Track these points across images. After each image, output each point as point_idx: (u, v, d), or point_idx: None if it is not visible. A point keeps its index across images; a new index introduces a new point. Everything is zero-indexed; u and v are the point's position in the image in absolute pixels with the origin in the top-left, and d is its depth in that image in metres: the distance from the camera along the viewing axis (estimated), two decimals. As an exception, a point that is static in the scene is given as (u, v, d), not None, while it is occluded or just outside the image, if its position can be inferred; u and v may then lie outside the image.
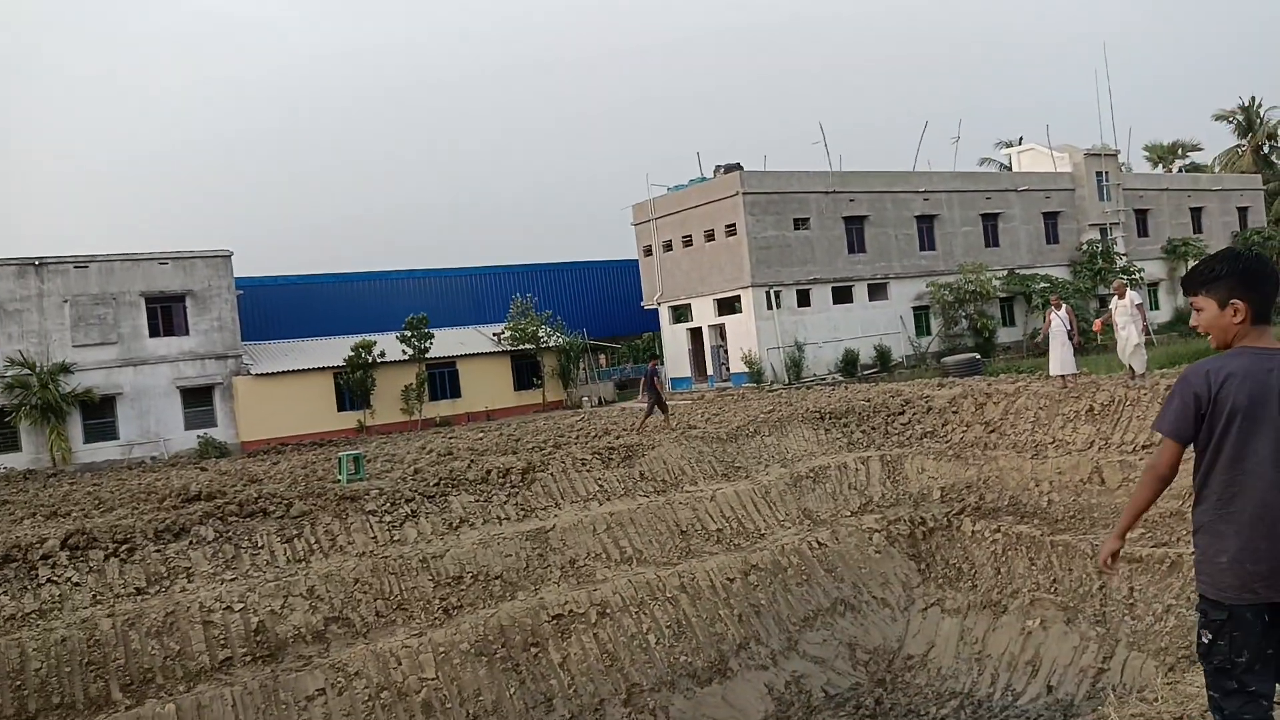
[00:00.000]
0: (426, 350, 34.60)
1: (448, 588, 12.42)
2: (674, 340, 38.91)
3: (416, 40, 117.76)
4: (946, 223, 39.15)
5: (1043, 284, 38.81)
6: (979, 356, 31.61)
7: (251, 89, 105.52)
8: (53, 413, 28.79)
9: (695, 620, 13.03)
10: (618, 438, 18.50)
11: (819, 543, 14.81)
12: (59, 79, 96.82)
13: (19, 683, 9.87)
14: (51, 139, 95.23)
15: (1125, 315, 16.70)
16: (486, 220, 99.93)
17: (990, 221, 40.48)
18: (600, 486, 15.14)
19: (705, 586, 13.47)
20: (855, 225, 36.93)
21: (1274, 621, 3.42)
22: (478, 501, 14.12)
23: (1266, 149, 56.21)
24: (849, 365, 34.09)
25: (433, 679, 11.14)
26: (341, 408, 34.15)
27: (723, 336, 36.45)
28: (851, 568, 14.67)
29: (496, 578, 12.76)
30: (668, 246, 38.64)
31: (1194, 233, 46.83)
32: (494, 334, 38.88)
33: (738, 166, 36.13)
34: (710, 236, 36.15)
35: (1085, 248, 42.11)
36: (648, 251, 39.88)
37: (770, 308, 34.39)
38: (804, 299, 35.40)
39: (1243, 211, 49.43)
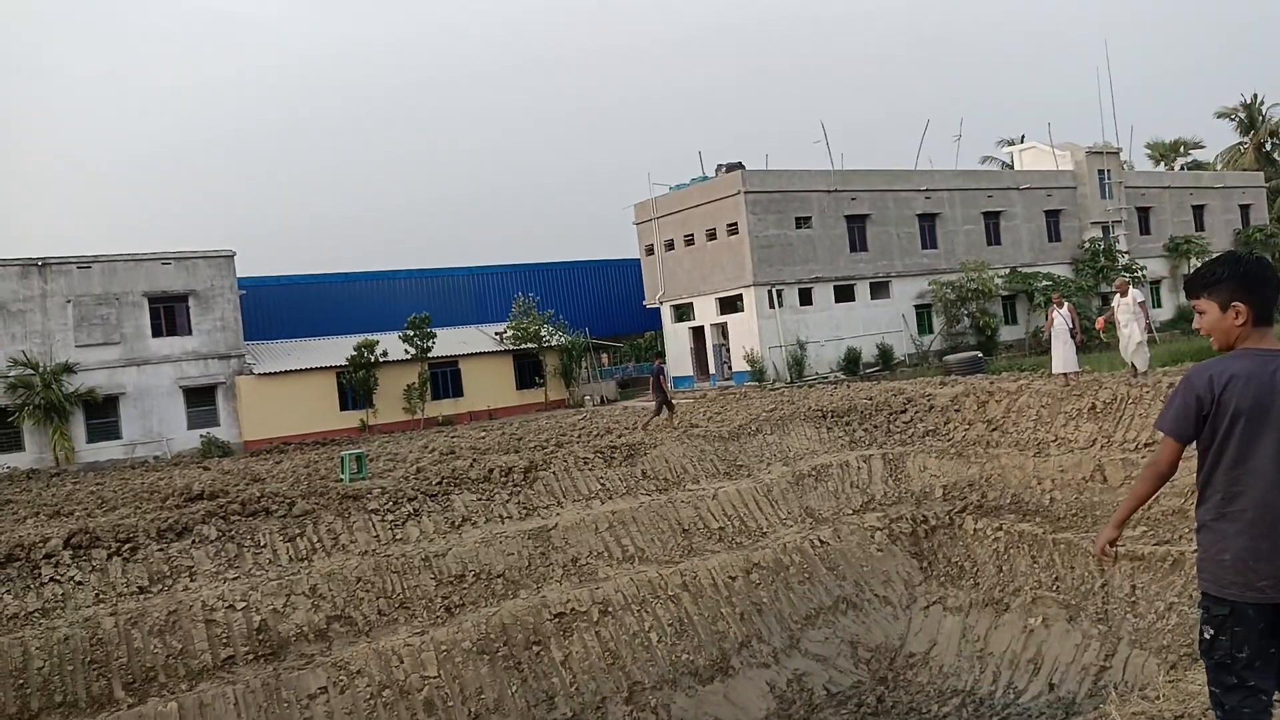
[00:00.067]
0: (429, 349, 34.62)
1: (450, 586, 12.43)
2: (676, 339, 38.91)
3: (417, 39, 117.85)
4: (948, 221, 39.12)
5: (1045, 282, 38.76)
6: (981, 355, 31.59)
7: (253, 88, 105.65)
8: (56, 413, 28.84)
9: (697, 618, 13.04)
10: (620, 436, 18.51)
11: (821, 541, 14.81)
12: (60, 79, 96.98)
13: (22, 681, 9.89)
14: (53, 139, 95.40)
15: (1127, 313, 16.71)
16: (489, 220, 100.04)
17: (992, 220, 40.44)
18: (602, 485, 15.15)
19: (707, 585, 13.47)
20: (857, 224, 36.90)
21: (1277, 620, 3.46)
22: (480, 500, 14.14)
23: (1269, 146, 56.12)
24: (851, 364, 34.08)
25: (435, 677, 11.16)
26: (344, 407, 34.19)
27: (725, 335, 36.45)
28: (853, 566, 14.67)
29: (498, 576, 12.78)
30: (670, 245, 38.64)
31: (1196, 230, 46.76)
32: (496, 333, 38.89)
33: (739, 165, 36.12)
34: (712, 235, 36.14)
35: (1087, 246, 42.07)
36: (650, 250, 39.88)
37: (772, 306, 34.38)
38: (806, 298, 35.39)
39: (1245, 209, 49.36)
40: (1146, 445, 13.66)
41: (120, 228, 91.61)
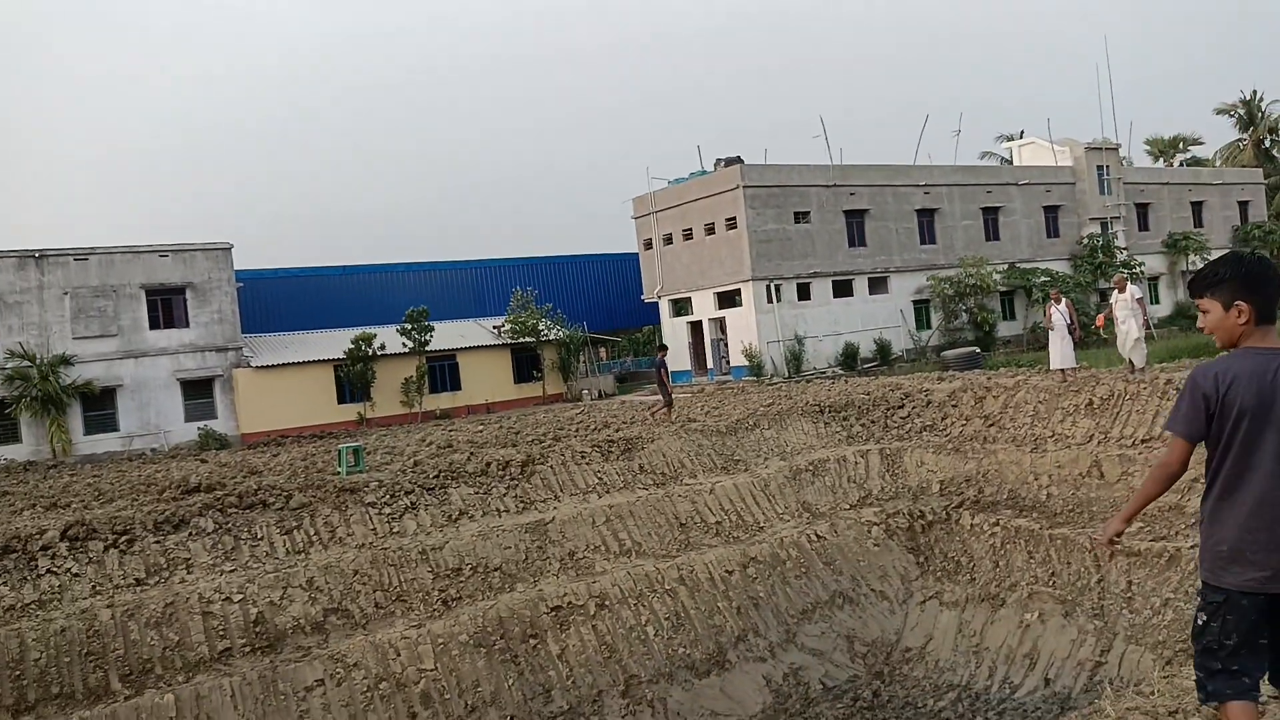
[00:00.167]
0: (427, 343, 34.61)
1: (447, 579, 12.43)
2: (674, 333, 38.90)
3: (417, 33, 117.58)
4: (947, 216, 39.11)
5: (1043, 278, 38.79)
6: (979, 350, 31.63)
7: (251, 81, 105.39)
8: (53, 405, 28.83)
9: (694, 612, 13.04)
10: (617, 431, 18.51)
11: (818, 536, 14.82)
12: (58, 72, 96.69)
13: (19, 672, 9.89)
14: (51, 133, 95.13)
15: (1125, 309, 16.73)
16: (487, 213, 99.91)
17: (991, 215, 40.44)
18: (599, 479, 15.15)
19: (704, 579, 13.48)
20: (856, 219, 36.89)
21: (1273, 612, 3.55)
22: (477, 494, 14.14)
23: (1268, 143, 56.14)
24: (849, 359, 34.10)
25: (431, 670, 11.17)
26: (341, 400, 34.18)
27: (723, 330, 36.45)
28: (850, 561, 14.68)
29: (495, 569, 12.78)
30: (668, 240, 38.61)
31: (1195, 227, 46.79)
32: (494, 327, 38.88)
33: (738, 160, 36.08)
34: (710, 230, 36.11)
35: (1086, 242, 42.08)
36: (648, 245, 39.84)
37: (770, 301, 34.38)
38: (804, 292, 35.39)
39: (1243, 205, 49.38)
40: (1144, 441, 13.67)
41: (118, 220, 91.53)
